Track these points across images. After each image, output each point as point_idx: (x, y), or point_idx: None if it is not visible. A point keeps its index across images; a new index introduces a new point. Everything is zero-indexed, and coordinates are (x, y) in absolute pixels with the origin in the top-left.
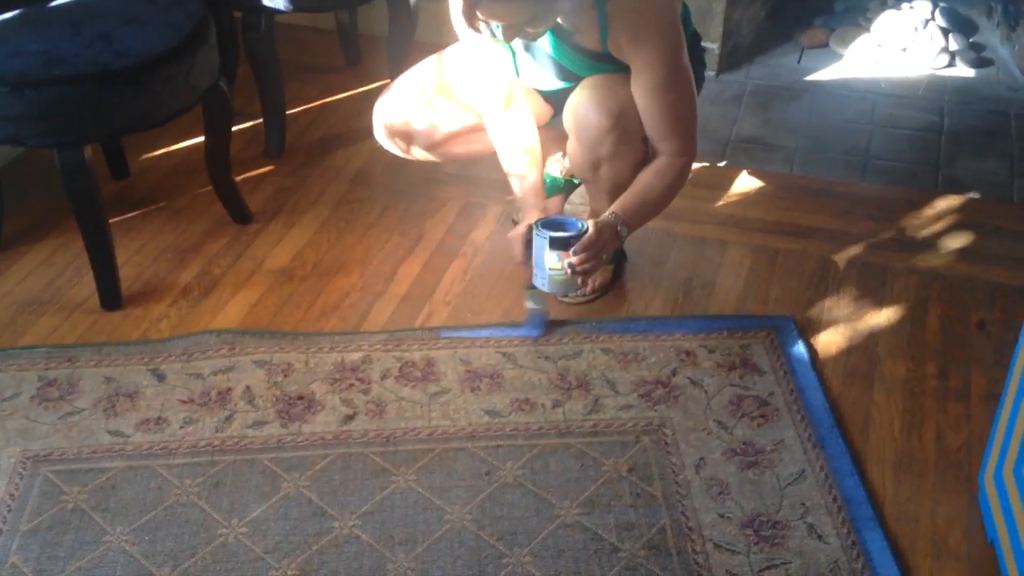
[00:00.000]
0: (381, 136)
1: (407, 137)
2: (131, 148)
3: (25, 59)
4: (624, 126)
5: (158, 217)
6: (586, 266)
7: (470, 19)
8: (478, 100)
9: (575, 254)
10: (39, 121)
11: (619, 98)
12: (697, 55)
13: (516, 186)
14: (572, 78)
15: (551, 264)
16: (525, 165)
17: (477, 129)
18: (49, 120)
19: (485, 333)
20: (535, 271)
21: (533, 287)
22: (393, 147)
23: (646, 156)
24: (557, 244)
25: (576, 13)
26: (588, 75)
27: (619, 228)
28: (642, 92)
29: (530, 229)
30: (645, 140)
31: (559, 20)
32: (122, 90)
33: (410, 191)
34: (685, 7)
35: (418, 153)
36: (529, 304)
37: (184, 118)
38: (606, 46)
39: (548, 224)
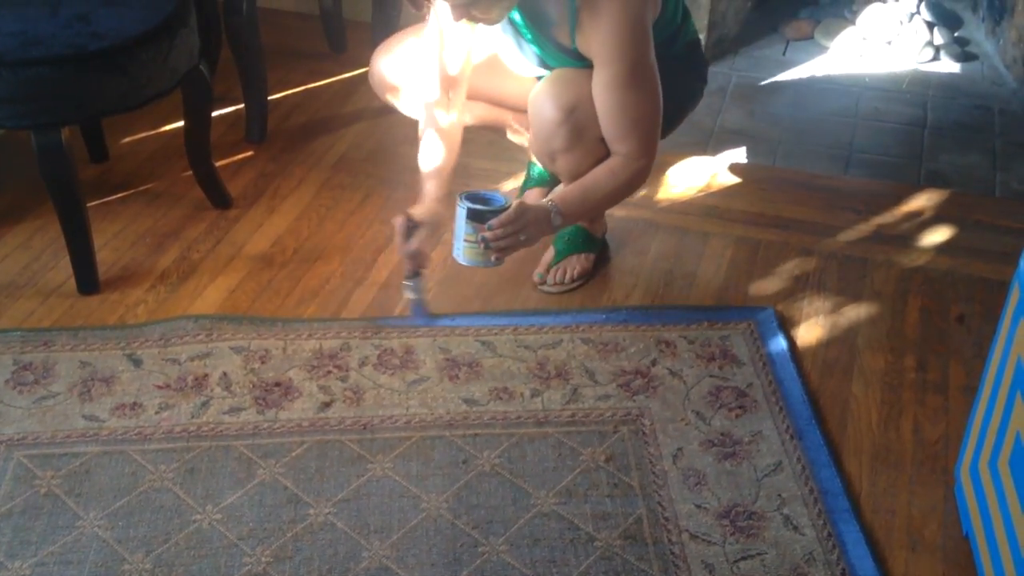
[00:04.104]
0: (377, 83)
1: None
2: (110, 131)
3: (1, 40)
4: (576, 121)
5: (137, 201)
6: (500, 243)
7: None
8: (422, 87)
9: (490, 229)
10: (15, 103)
11: (575, 93)
12: (695, 67)
13: (429, 181)
14: (550, 69)
15: (467, 236)
16: (442, 161)
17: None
18: (25, 102)
19: (464, 321)
20: (454, 241)
21: (410, 277)
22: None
23: (607, 154)
24: (473, 216)
25: (553, 4)
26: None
27: (552, 215)
28: (599, 88)
29: (408, 218)
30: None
31: (547, 10)
32: (99, 72)
33: (392, 179)
34: (684, 10)
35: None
36: (409, 294)
37: (165, 102)
38: (574, 41)
39: (474, 198)
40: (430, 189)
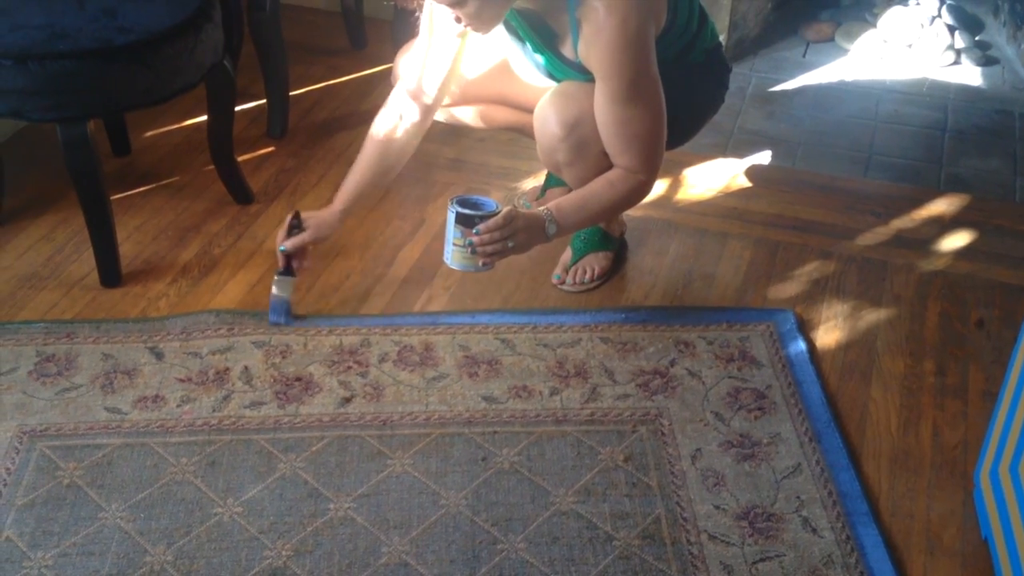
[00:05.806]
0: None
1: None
2: (133, 125)
3: (29, 33)
4: (579, 136)
5: (159, 195)
6: (487, 248)
7: None
8: (400, 82)
9: (477, 233)
10: (42, 95)
11: (579, 108)
12: (715, 74)
13: (357, 169)
14: (557, 80)
15: (455, 240)
16: (365, 174)
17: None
18: (52, 95)
19: (484, 319)
20: (444, 245)
21: (280, 274)
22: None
23: (612, 166)
24: (462, 220)
25: (555, 18)
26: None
27: (547, 224)
28: (599, 102)
29: (294, 215)
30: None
31: (550, 24)
32: (125, 66)
33: (411, 176)
34: (701, 16)
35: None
36: (274, 290)
37: (187, 96)
38: (577, 54)
39: (464, 202)
40: (337, 197)
